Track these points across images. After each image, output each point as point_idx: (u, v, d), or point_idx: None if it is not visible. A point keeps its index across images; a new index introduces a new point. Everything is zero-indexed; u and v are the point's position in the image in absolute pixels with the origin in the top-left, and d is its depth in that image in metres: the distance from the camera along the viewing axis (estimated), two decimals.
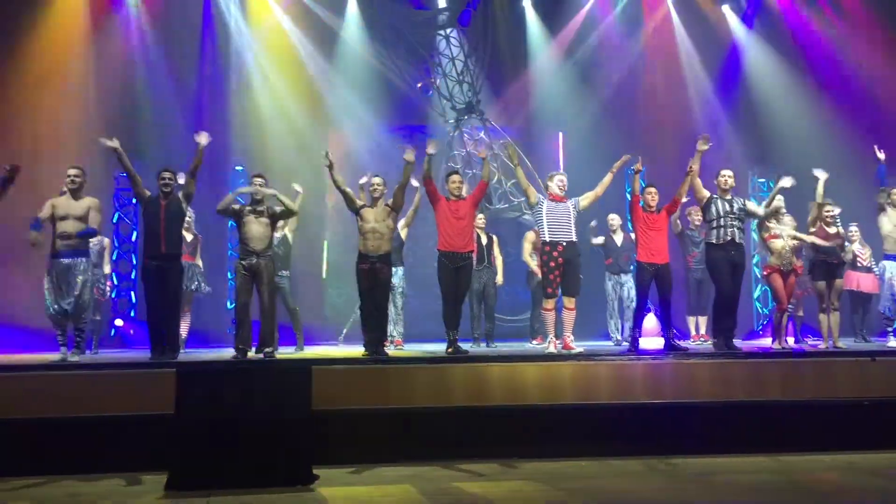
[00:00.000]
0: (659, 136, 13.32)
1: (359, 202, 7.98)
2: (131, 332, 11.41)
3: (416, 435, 6.37)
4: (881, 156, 8.83)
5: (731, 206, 8.06)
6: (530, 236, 10.09)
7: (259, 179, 7.97)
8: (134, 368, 6.91)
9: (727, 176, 8.20)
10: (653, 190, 8.13)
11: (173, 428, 5.56)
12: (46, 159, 10.09)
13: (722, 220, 8.04)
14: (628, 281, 9.85)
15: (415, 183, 8.49)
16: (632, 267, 9.50)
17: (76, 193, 7.49)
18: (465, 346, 8.32)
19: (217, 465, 5.47)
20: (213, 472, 5.45)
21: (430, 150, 7.99)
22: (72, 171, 7.50)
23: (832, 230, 8.67)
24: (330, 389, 6.31)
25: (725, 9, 13.61)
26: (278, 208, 7.97)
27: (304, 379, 5.84)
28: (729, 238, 8.01)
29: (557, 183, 8.05)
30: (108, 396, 6.27)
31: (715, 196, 8.17)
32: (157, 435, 5.79)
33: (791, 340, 8.65)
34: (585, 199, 8.07)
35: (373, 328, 7.85)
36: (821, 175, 8.51)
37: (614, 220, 10.17)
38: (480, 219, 9.84)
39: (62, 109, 10.90)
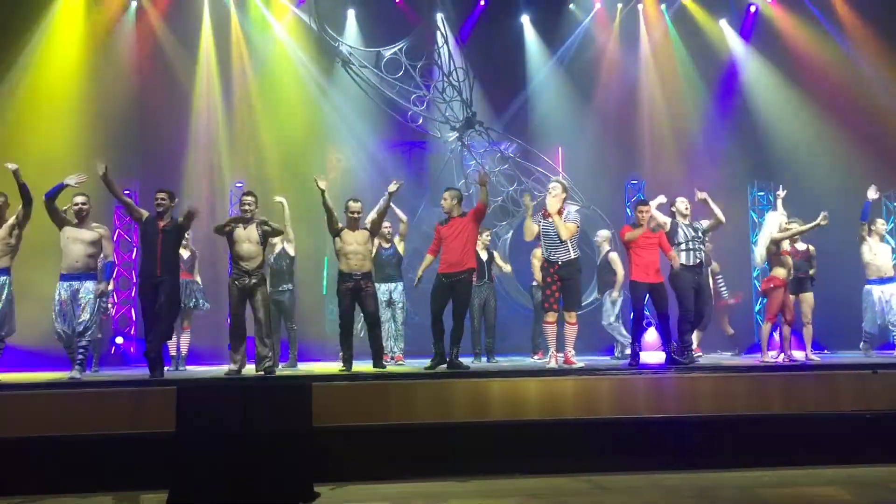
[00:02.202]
0: (658, 149, 13.37)
1: (340, 225, 8.07)
2: (132, 349, 11.41)
3: (418, 451, 6.35)
4: (873, 195, 8.96)
5: (696, 231, 8.26)
6: (538, 253, 10.05)
7: (249, 198, 7.91)
8: (134, 386, 6.91)
9: (684, 203, 8.35)
10: (645, 209, 8.06)
11: (174, 445, 5.55)
12: (49, 177, 10.11)
13: (690, 243, 8.21)
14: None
15: (402, 217, 9.09)
16: None
17: (84, 220, 7.53)
18: (465, 361, 8.31)
19: (218, 483, 5.45)
20: (213, 489, 5.43)
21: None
22: (78, 199, 7.53)
23: (801, 246, 9.00)
24: (330, 405, 6.29)
25: (723, 23, 13.67)
26: (267, 227, 7.95)
27: (304, 395, 5.83)
28: (698, 261, 8.23)
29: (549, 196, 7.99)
30: (109, 414, 6.27)
31: (676, 222, 8.29)
32: (157, 453, 5.77)
33: (771, 354, 8.75)
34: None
35: (349, 345, 8.10)
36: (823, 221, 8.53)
37: None
38: (485, 235, 9.91)
39: (63, 127, 10.93)
